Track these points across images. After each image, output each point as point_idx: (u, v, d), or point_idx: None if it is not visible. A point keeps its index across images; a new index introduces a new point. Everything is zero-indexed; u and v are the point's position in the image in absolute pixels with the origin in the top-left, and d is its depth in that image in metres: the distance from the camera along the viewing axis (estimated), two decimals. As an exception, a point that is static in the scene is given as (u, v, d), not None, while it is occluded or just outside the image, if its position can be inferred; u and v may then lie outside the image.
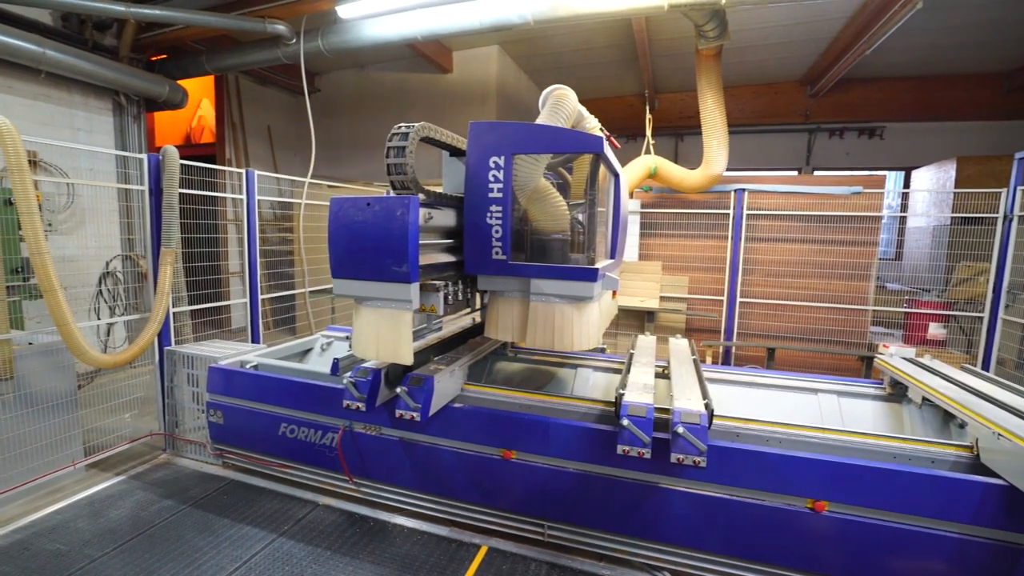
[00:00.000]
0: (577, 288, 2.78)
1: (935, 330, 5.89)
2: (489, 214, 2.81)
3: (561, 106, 3.09)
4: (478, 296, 3.50)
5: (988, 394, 3.06)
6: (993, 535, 2.47)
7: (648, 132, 6.67)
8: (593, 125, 3.59)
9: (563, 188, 3.70)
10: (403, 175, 2.82)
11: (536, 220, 3.06)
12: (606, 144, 2.95)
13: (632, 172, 6.23)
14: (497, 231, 2.82)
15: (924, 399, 3.41)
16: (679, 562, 2.97)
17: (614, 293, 3.80)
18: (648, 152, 6.53)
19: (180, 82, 7.06)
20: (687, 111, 10.07)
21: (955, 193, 6.39)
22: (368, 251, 2.63)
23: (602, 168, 3.15)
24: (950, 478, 2.52)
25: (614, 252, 3.50)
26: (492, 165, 2.77)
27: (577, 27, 6.72)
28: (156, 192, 4.27)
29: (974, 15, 6.66)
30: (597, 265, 2.86)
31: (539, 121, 3.02)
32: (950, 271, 6.14)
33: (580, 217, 3.29)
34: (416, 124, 2.87)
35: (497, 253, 2.85)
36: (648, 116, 6.77)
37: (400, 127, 2.85)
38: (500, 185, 2.78)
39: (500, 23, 5.38)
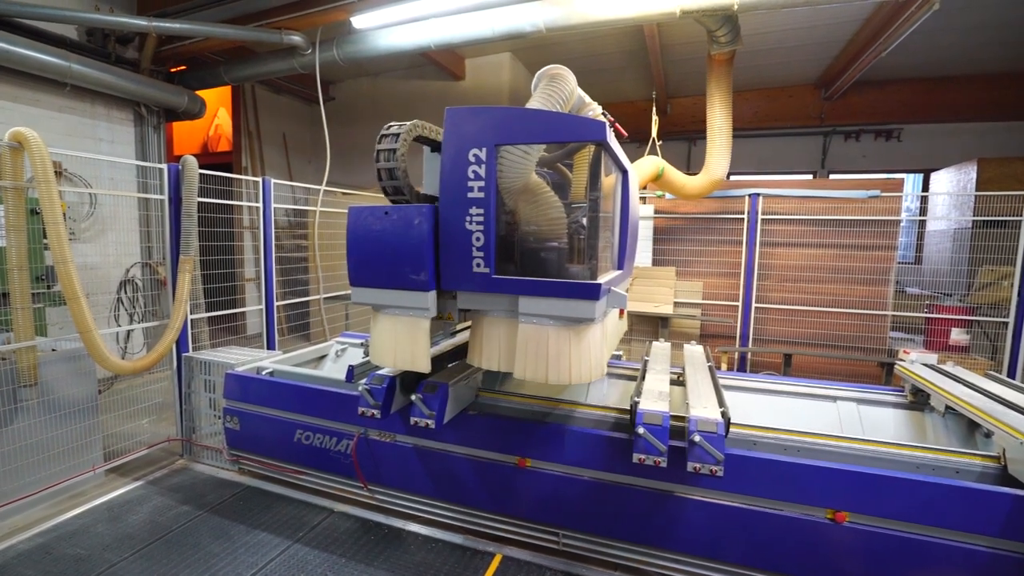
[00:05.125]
0: (575, 308, 2.38)
1: (958, 336, 5.76)
2: (468, 218, 2.42)
3: (556, 87, 2.67)
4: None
5: (1015, 402, 2.98)
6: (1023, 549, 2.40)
7: (654, 132, 6.51)
8: (597, 112, 3.17)
9: (563, 189, 3.20)
10: (395, 180, 2.61)
11: (527, 225, 2.64)
12: (610, 132, 2.54)
13: (641, 170, 5.98)
14: (478, 239, 2.42)
15: (947, 407, 3.34)
16: (695, 572, 2.93)
17: (622, 312, 3.25)
18: (655, 153, 6.43)
19: (198, 92, 7.20)
20: (700, 115, 9.90)
21: (976, 196, 6.26)
22: (386, 259, 2.61)
23: (606, 162, 2.74)
24: (976, 489, 2.46)
25: (622, 262, 3.07)
26: (472, 159, 2.39)
27: (589, 33, 6.73)
28: (175, 201, 4.35)
29: (994, 15, 6.55)
30: (600, 279, 2.48)
31: (530, 105, 2.61)
32: (972, 275, 6.01)
33: (583, 221, 2.80)
34: (407, 123, 2.65)
35: (478, 265, 2.46)
36: (654, 116, 6.59)
37: (390, 127, 2.62)
38: (482, 183, 2.37)
39: (513, 31, 5.40)
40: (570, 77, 2.79)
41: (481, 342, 2.69)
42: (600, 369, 2.58)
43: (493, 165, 2.37)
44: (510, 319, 2.55)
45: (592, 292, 2.37)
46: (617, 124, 2.92)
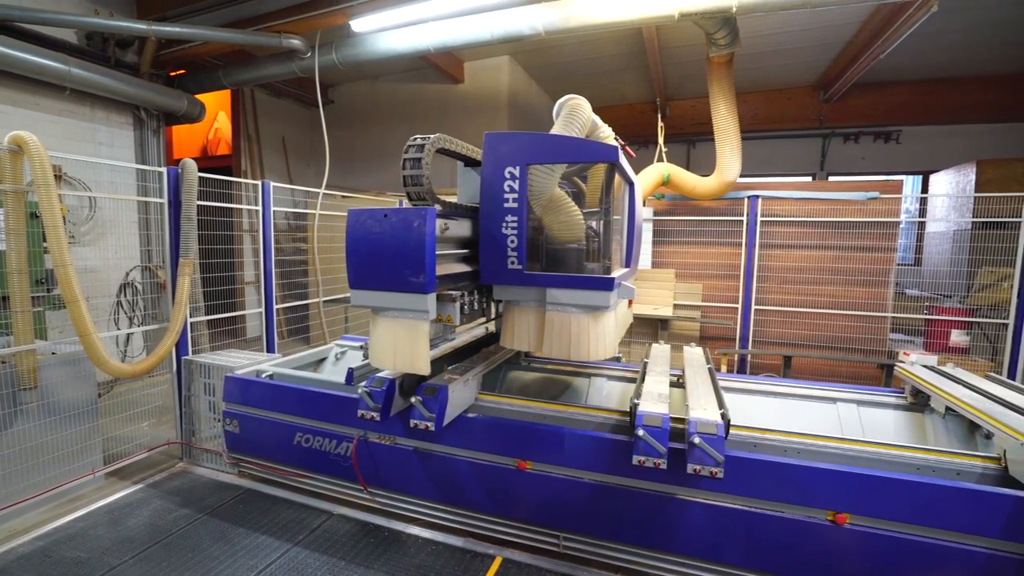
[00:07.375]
0: (593, 297, 2.77)
1: (957, 337, 5.76)
2: (504, 224, 2.81)
3: (575, 116, 3.10)
4: (493, 306, 3.50)
5: (1015, 404, 2.98)
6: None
7: (660, 139, 6.68)
8: (607, 134, 3.56)
9: (578, 197, 3.71)
10: (419, 186, 2.84)
11: (551, 230, 3.06)
12: (621, 153, 2.96)
13: (645, 180, 6.20)
14: (512, 241, 2.81)
15: (947, 409, 3.33)
16: (695, 575, 2.92)
17: (630, 302, 3.74)
18: (661, 160, 6.53)
19: (197, 96, 7.22)
20: (699, 118, 10.03)
21: (976, 197, 6.27)
22: (385, 262, 2.65)
23: (617, 177, 3.14)
24: (977, 491, 2.46)
25: (629, 260, 3.49)
26: (507, 175, 2.78)
27: (588, 36, 6.75)
28: (175, 204, 4.35)
29: (993, 15, 6.56)
30: (613, 274, 2.86)
31: (553, 131, 3.03)
32: (972, 276, 6.01)
33: (595, 226, 3.28)
34: (432, 136, 2.89)
35: (513, 263, 2.84)
36: (660, 124, 6.78)
37: (416, 139, 2.87)
38: (515, 195, 2.78)
39: (511, 34, 5.42)
40: (586, 106, 3.22)
41: (513, 327, 3.08)
42: (613, 348, 3.03)
43: (524, 181, 2.76)
44: (538, 308, 2.98)
45: (607, 285, 2.76)
46: (627, 147, 3.45)
